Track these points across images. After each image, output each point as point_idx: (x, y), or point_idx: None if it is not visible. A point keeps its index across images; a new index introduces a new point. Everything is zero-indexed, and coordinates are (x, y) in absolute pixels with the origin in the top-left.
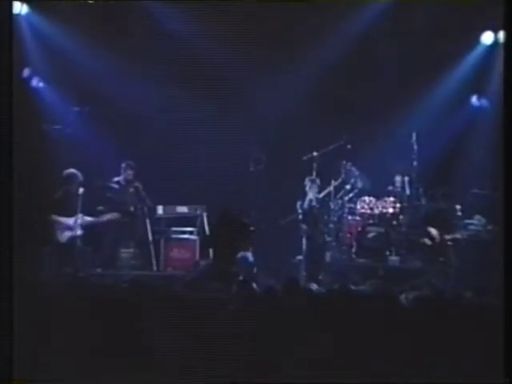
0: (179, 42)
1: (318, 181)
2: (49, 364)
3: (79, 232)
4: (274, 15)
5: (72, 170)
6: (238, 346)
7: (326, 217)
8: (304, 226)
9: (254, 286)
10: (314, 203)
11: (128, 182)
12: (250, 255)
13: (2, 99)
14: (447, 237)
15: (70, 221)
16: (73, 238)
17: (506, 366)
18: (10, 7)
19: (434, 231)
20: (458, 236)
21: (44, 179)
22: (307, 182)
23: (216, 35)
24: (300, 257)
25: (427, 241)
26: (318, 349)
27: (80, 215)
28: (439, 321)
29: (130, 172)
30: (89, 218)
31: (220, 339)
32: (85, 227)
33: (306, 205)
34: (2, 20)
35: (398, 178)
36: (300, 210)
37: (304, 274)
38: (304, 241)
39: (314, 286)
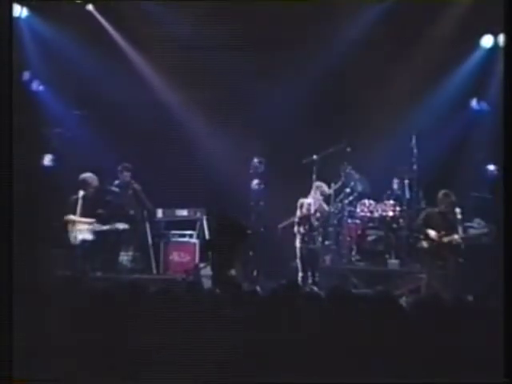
0: (179, 43)
1: (323, 185)
2: (49, 364)
3: (91, 237)
4: (274, 16)
5: (89, 174)
6: (237, 348)
7: (325, 220)
8: (303, 229)
9: (254, 288)
10: (312, 206)
11: (126, 184)
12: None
13: (2, 102)
14: (445, 239)
15: (86, 224)
16: (85, 242)
17: (506, 366)
18: (10, 10)
19: (432, 233)
20: (456, 238)
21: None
22: (313, 186)
23: (215, 37)
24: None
25: (424, 243)
26: (318, 350)
27: (94, 220)
28: (439, 322)
29: (126, 174)
30: (100, 226)
31: (220, 340)
32: (95, 233)
33: (304, 208)
34: (2, 23)
35: (397, 181)
36: (299, 213)
37: (303, 277)
38: (304, 244)
39: (314, 289)
